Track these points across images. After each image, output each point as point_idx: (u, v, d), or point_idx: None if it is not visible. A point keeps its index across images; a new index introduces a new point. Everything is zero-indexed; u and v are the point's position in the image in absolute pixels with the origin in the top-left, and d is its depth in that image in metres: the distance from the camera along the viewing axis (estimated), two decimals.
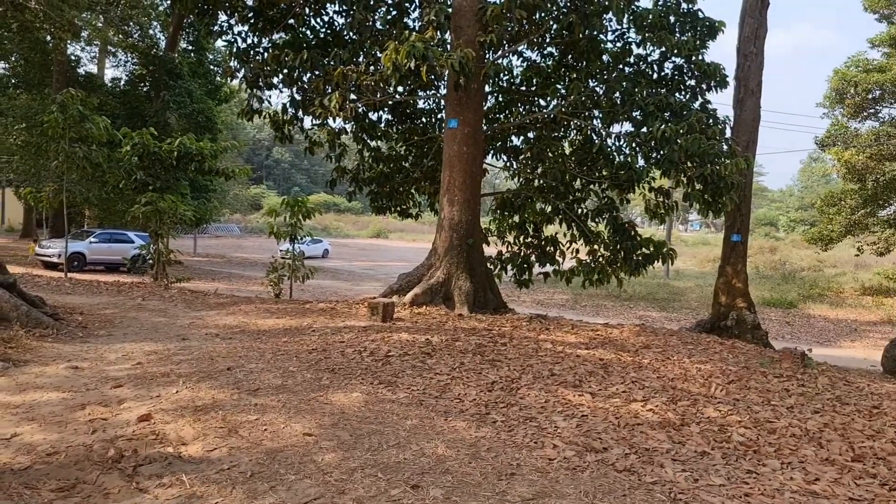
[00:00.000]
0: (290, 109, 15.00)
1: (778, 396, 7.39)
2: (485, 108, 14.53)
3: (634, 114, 13.35)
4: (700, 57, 13.38)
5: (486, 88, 14.57)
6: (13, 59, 36.79)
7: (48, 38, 31.93)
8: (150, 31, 37.40)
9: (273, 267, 16.59)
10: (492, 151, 16.65)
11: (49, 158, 22.45)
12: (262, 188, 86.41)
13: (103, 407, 6.00)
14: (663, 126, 12.03)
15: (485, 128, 14.45)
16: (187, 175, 21.02)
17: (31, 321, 9.04)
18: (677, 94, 13.69)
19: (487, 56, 13.08)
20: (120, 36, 36.18)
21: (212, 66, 37.15)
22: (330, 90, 12.93)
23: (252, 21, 14.67)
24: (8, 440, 5.13)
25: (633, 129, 13.69)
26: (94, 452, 4.91)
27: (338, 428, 5.51)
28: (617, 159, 14.84)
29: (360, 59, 13.72)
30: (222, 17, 14.95)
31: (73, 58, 36.80)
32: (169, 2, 18.75)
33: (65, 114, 17.94)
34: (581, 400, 6.74)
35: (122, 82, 38.24)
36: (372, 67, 12.82)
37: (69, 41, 32.28)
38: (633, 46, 14.32)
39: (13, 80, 36.35)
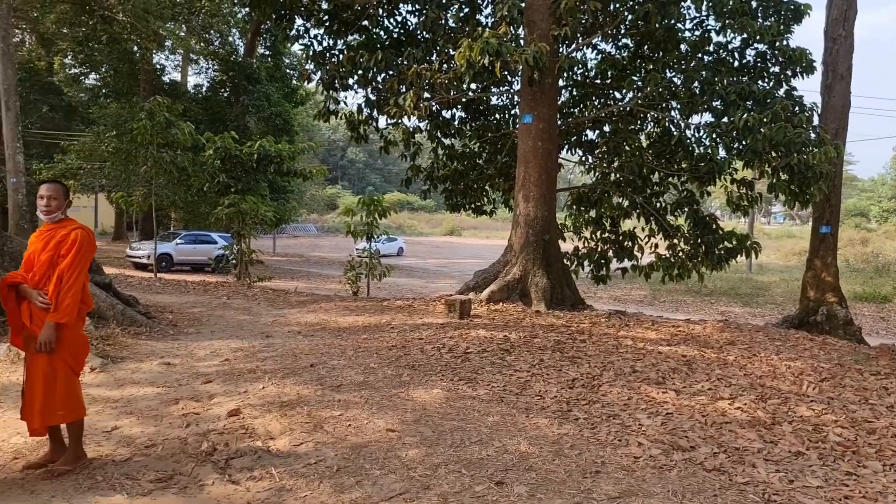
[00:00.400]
0: (365, 110, 15.22)
1: (876, 395, 7.06)
2: (559, 102, 14.40)
3: (715, 104, 12.97)
4: (784, 42, 12.88)
5: (561, 82, 14.44)
6: (103, 69, 38.63)
7: (135, 48, 33.37)
8: (230, 39, 38.63)
9: (350, 265, 16.88)
10: (567, 146, 16.48)
11: (138, 164, 23.46)
12: (337, 188, 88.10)
13: (195, 402, 6.23)
14: (746, 115, 11.64)
15: (559, 122, 14.32)
16: (266, 177, 21.62)
17: (126, 319, 9.47)
18: (760, 82, 13.22)
19: (561, 50, 12.95)
20: (201, 44, 37.48)
21: (288, 70, 38.08)
22: (404, 89, 13.06)
23: (327, 24, 14.95)
24: (109, 433, 5.39)
25: (713, 120, 13.30)
26: (188, 445, 5.11)
27: (420, 424, 5.56)
28: (697, 151, 14.46)
29: (434, 58, 13.80)
30: (299, 21, 15.29)
31: (158, 67, 38.39)
32: (248, 9, 19.29)
33: (152, 121, 18.71)
34: (665, 397, 6.60)
35: (204, 88, 39.62)
36: (445, 65, 12.86)
37: (154, 51, 33.63)
38: (713, 34, 13.91)
39: (104, 90, 38.14)
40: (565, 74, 14.93)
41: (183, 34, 36.39)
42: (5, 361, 7.47)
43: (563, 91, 15.74)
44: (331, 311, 12.14)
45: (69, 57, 42.62)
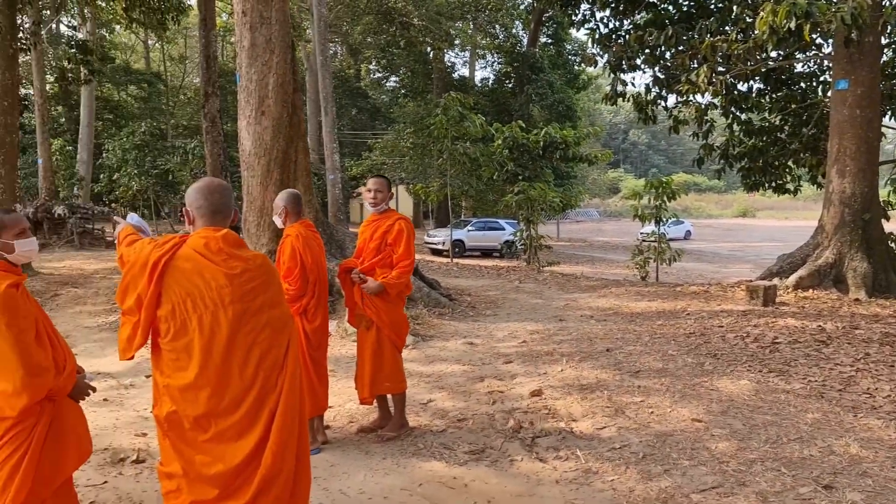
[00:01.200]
0: (653, 89, 14.73)
1: None
2: (881, 62, 12.65)
3: None
4: None
5: (883, 40, 12.66)
6: (401, 72, 42.09)
7: (429, 49, 35.84)
8: (513, 31, 39.81)
9: (638, 249, 16.52)
10: (889, 113, 14.45)
11: (433, 157, 25.22)
12: (619, 172, 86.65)
13: (498, 381, 6.55)
14: None
15: (881, 86, 12.59)
16: (551, 163, 21.95)
17: (431, 301, 10.26)
18: None
19: (885, 2, 11.36)
20: (487, 39, 39.11)
21: (570, 57, 38.24)
22: (696, 65, 12.40)
23: (613, 5, 14.70)
24: (425, 405, 5.89)
25: None
26: (496, 421, 5.39)
27: (728, 416, 5.28)
28: None
29: (729, 28, 12.90)
30: (584, 6, 15.23)
31: (448, 65, 40.81)
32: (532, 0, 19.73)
33: (447, 115, 19.97)
34: None
35: (490, 81, 41.34)
36: (741, 35, 11.96)
37: (446, 50, 35.81)
38: None
39: (402, 91, 41.54)
40: (889, 30, 13.07)
41: (470, 31, 38.26)
42: (335, 336, 8.48)
43: (886, 50, 13.79)
44: (621, 295, 12.01)
45: (373, 63, 47.12)
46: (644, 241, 17.66)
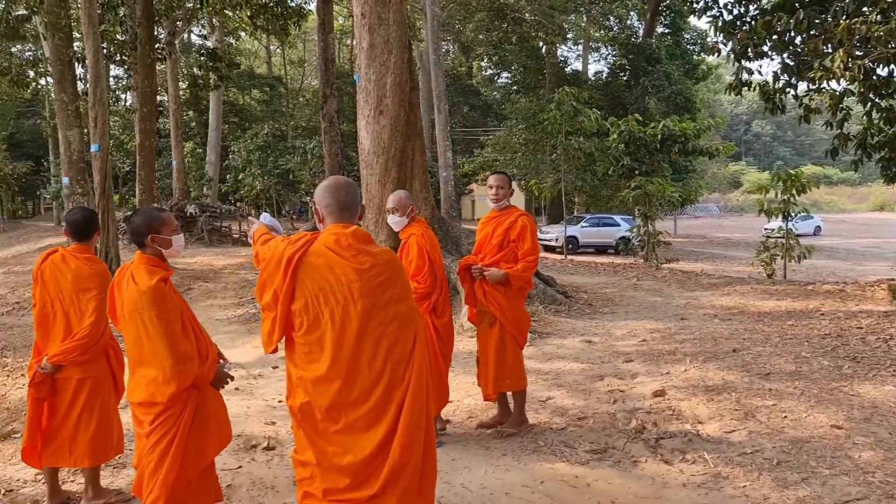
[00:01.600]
0: (781, 77, 13.95)
1: None
2: None
3: None
4: None
5: None
6: (513, 68, 41.96)
7: (541, 44, 35.54)
8: (628, 22, 38.85)
9: (764, 246, 15.74)
10: None
11: (546, 153, 24.99)
12: (740, 165, 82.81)
13: (619, 379, 6.41)
14: None
15: None
16: (669, 157, 21.27)
17: (547, 298, 10.17)
18: None
19: None
20: (601, 31, 38.37)
21: (688, 46, 36.93)
22: (830, 49, 11.64)
23: None
24: (544, 402, 5.84)
25: None
26: (617, 421, 5.27)
27: (872, 424, 4.94)
28: None
29: (867, 9, 12.04)
30: None
31: (561, 59, 40.32)
32: None
33: (560, 110, 19.73)
34: None
35: (604, 74, 40.51)
36: (881, 16, 11.13)
37: (558, 44, 35.40)
38: None
39: (514, 87, 41.39)
40: None
41: (584, 24, 37.65)
42: None
43: None
44: (747, 294, 11.48)
45: (485, 60, 47.23)
46: (769, 237, 16.79)
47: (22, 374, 7.82)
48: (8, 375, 7.97)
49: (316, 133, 38.35)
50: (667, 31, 37.31)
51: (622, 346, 7.85)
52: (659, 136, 19.14)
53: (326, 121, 20.33)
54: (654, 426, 5.11)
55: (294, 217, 39.17)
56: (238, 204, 38.76)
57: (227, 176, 38.70)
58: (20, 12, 16.17)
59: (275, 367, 7.32)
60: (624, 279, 13.92)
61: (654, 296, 11.67)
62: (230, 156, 38.68)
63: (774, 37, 13.17)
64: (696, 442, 4.79)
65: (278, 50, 55.91)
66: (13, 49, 25.08)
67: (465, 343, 7.98)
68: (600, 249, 27.53)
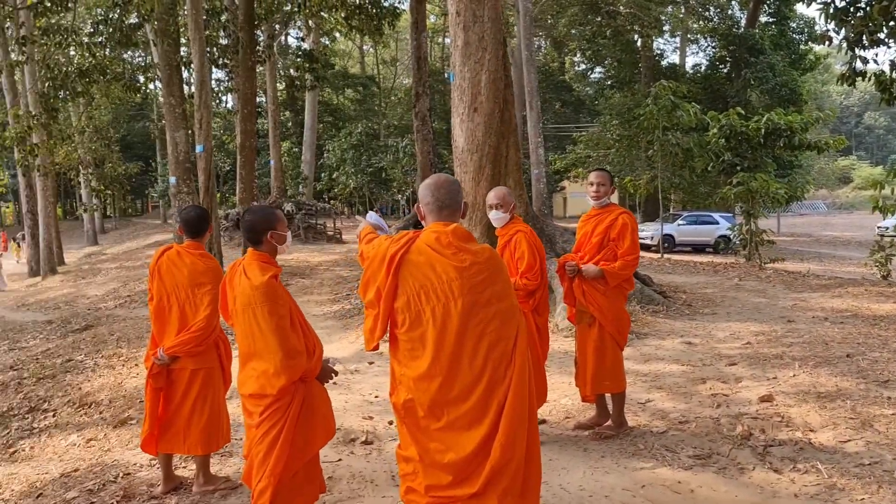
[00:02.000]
0: None
1: None
2: None
3: None
4: None
5: None
6: (607, 62, 41.20)
7: (636, 37, 34.74)
8: (729, 12, 37.47)
9: (879, 245, 14.83)
10: None
11: (641, 149, 24.39)
12: (850, 159, 78.45)
13: (722, 383, 6.17)
14: None
15: None
16: (773, 152, 20.37)
17: (644, 298, 9.91)
18: None
19: None
20: (700, 23, 37.15)
21: (794, 35, 35.27)
22: None
23: None
24: (643, 404, 5.69)
25: None
26: (721, 426, 5.08)
27: None
28: None
29: None
30: None
31: (657, 52, 39.29)
32: None
33: (657, 105, 19.20)
34: None
35: (703, 67, 39.22)
36: None
37: (655, 37, 34.50)
38: None
39: (608, 82, 40.62)
40: None
41: (681, 15, 36.56)
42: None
43: None
44: (860, 296, 10.85)
45: (578, 55, 46.58)
46: (884, 235, 15.82)
47: (136, 364, 8.26)
48: (123, 365, 8.43)
49: (408, 131, 38.83)
50: (771, 19, 35.71)
51: (725, 348, 7.56)
52: (762, 131, 18.30)
53: (419, 119, 20.53)
54: (761, 433, 4.89)
55: (386, 215, 39.78)
56: (332, 202, 39.74)
57: (322, 174, 39.71)
58: (132, 21, 17.06)
59: (371, 363, 7.44)
60: (725, 279, 13.42)
61: (757, 297, 11.20)
62: (325, 154, 39.67)
63: (892, 23, 12.41)
64: (807, 451, 4.55)
65: (371, 50, 56.92)
66: (125, 55, 26.47)
67: (560, 343, 7.89)
68: (698, 248, 26.68)
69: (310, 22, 31.13)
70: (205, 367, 4.19)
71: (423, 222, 2.85)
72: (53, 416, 6.88)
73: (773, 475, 4.24)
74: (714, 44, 37.95)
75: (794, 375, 6.24)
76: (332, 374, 3.34)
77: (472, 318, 2.63)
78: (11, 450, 6.04)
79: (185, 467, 4.76)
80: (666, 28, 38.53)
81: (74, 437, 5.99)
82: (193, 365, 4.16)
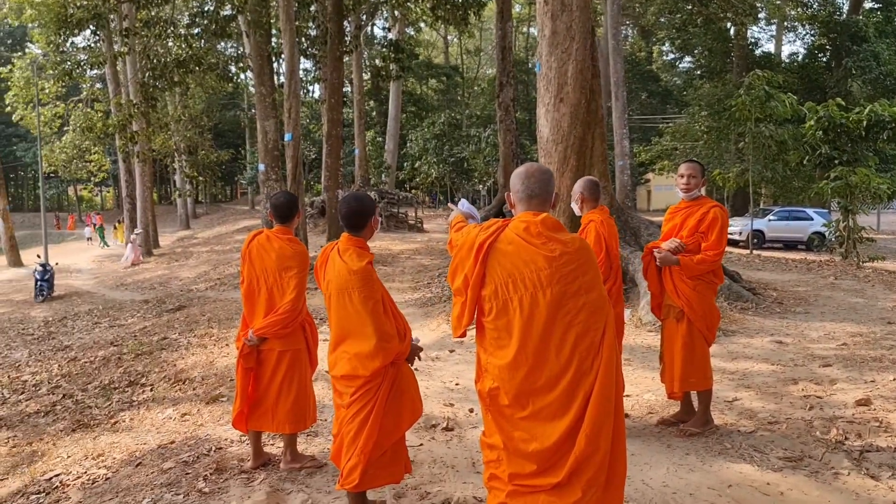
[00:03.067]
0: None
1: None
2: None
3: None
4: None
5: None
6: (696, 52, 39.96)
7: (729, 25, 33.54)
8: None
9: None
10: None
11: (731, 141, 23.59)
12: None
13: (815, 385, 5.95)
14: None
15: None
16: (875, 145, 19.33)
17: (732, 294, 9.62)
18: None
19: None
20: (798, 9, 35.56)
21: None
22: None
23: None
24: (730, 403, 5.54)
25: None
26: (814, 429, 4.89)
27: None
28: None
29: None
30: None
31: (751, 40, 37.83)
32: None
33: (751, 95, 18.51)
34: None
35: (800, 56, 37.56)
36: None
37: (749, 25, 33.24)
38: None
39: (697, 72, 39.41)
40: None
41: (779, 2, 35.08)
42: (628, 325, 8.32)
43: None
44: None
45: (666, 44, 45.35)
46: None
47: (227, 344, 8.60)
48: (215, 345, 8.79)
49: (490, 122, 38.72)
50: (876, 5, 33.87)
51: (818, 349, 7.27)
52: (864, 123, 17.36)
53: (502, 109, 20.47)
54: (857, 437, 4.68)
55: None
56: (413, 191, 40.13)
57: (405, 164, 40.11)
58: (227, 13, 17.62)
59: (452, 351, 7.50)
60: (819, 277, 12.86)
61: (854, 297, 10.69)
62: (407, 144, 40.04)
63: None
64: None
65: (455, 40, 57.03)
66: (219, 46, 27.40)
67: (643, 337, 7.76)
68: (789, 245, 25.64)
69: (396, 12, 31.40)
70: (292, 348, 4.31)
71: (512, 211, 2.85)
72: (151, 390, 7.25)
73: (870, 482, 4.06)
74: (813, 31, 36.27)
75: (893, 379, 5.95)
76: (420, 354, 3.45)
77: (560, 309, 2.62)
78: (113, 420, 6.39)
79: (273, 444, 4.93)
80: (762, 15, 37.01)
81: (170, 410, 6.30)
82: (281, 346, 4.29)
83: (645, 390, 5.95)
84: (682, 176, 4.77)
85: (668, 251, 4.70)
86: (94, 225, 38.47)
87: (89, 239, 38.55)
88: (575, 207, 4.83)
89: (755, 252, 19.75)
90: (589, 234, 4.68)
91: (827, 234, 20.00)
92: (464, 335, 2.85)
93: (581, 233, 4.77)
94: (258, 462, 4.46)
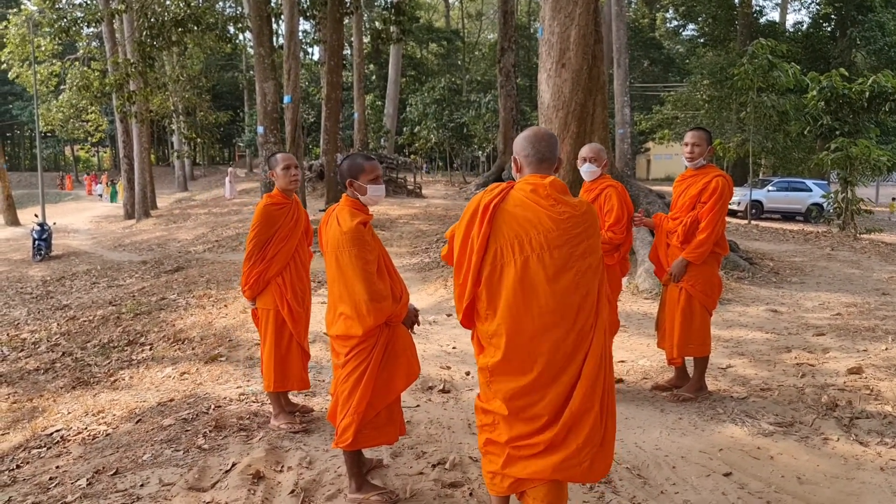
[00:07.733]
0: None
1: None
2: None
3: None
4: None
5: None
6: (700, 19, 39.53)
7: None
8: None
9: None
10: None
11: (732, 110, 23.44)
12: None
13: (808, 353, 6.01)
14: None
15: None
16: (877, 117, 19.23)
17: (729, 263, 9.65)
18: None
19: None
20: None
21: None
22: None
23: None
24: (724, 370, 5.60)
25: None
26: (805, 395, 4.96)
27: None
28: None
29: None
30: None
31: (756, 8, 37.40)
32: None
33: (754, 64, 18.36)
34: None
35: (804, 25, 37.19)
36: None
37: None
38: None
39: (701, 40, 39.02)
40: None
41: None
42: (625, 291, 8.38)
43: None
44: None
45: (670, 11, 44.83)
46: None
47: (225, 305, 8.64)
48: (213, 305, 8.83)
49: (490, 87, 38.40)
50: None
51: (812, 318, 7.33)
52: (867, 94, 17.25)
53: (503, 74, 20.32)
54: (848, 404, 4.75)
55: (465, 171, 39.75)
56: (413, 156, 39.94)
57: (404, 128, 39.87)
58: None
59: (448, 316, 7.55)
60: (816, 248, 12.91)
61: (850, 268, 10.75)
62: (407, 109, 39.76)
63: None
64: None
65: (457, 3, 56.31)
66: (217, 6, 27.06)
67: (639, 304, 7.82)
68: (787, 216, 25.65)
69: None
70: (265, 307, 4.44)
71: (516, 175, 2.84)
72: (150, 349, 7.30)
73: (859, 447, 4.13)
74: (818, 0, 35.84)
75: (886, 349, 6.02)
76: (418, 319, 3.48)
77: (567, 271, 2.62)
78: (112, 378, 6.45)
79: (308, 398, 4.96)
80: None
81: (169, 369, 6.35)
82: (261, 305, 4.47)
83: (640, 356, 6.02)
84: (687, 144, 4.76)
85: (675, 272, 4.76)
86: (112, 182, 39.68)
87: (100, 195, 40.55)
88: (595, 170, 4.79)
89: (753, 222, 19.77)
90: (610, 197, 4.71)
91: (825, 205, 20.00)
92: (471, 326, 2.82)
93: (598, 197, 4.77)
94: (283, 418, 4.52)
